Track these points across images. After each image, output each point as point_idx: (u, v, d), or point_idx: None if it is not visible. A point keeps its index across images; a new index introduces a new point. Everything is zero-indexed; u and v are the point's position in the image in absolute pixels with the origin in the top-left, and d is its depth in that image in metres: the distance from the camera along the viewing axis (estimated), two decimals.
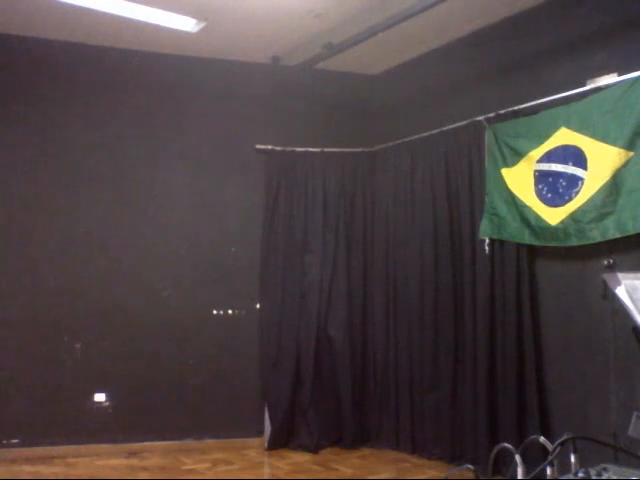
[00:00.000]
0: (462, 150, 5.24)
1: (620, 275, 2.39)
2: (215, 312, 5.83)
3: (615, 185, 4.12)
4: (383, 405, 5.77)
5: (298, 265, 5.89)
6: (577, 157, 4.38)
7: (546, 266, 4.71)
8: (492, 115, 4.97)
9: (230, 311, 5.87)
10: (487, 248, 4.94)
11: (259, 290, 5.87)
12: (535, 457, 3.22)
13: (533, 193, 4.65)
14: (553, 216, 4.49)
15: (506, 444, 1.89)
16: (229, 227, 5.93)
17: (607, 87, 4.28)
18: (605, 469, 1.69)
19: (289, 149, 6.01)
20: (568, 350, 4.54)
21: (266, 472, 5.30)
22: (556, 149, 4.52)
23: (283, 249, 5.89)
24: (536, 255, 4.75)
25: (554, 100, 4.56)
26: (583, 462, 1.78)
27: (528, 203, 4.67)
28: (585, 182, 4.30)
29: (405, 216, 5.72)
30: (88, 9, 4.85)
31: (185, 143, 5.86)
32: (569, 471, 1.74)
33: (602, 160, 4.19)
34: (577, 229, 4.32)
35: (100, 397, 5.47)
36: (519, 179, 4.75)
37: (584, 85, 4.43)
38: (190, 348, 5.72)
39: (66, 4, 4.77)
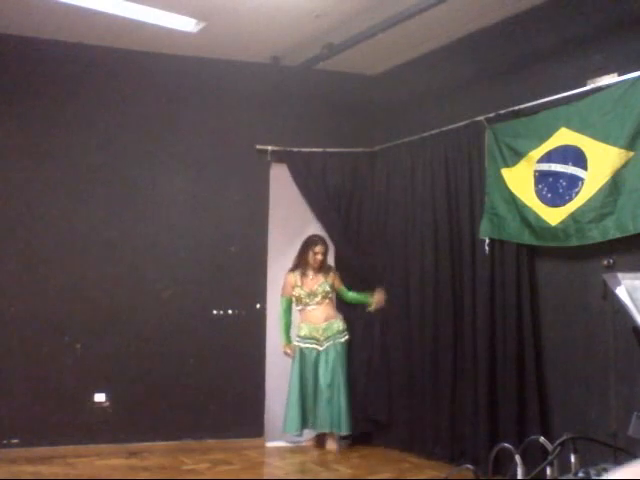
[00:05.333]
0: (462, 150, 5.24)
1: (620, 275, 2.39)
2: (215, 312, 5.83)
3: (615, 185, 4.12)
4: (383, 405, 5.76)
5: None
6: (577, 157, 4.37)
7: (546, 266, 4.71)
8: (492, 115, 4.96)
9: (230, 311, 5.87)
10: (487, 248, 4.94)
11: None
12: (535, 457, 3.23)
13: (533, 193, 4.64)
14: (553, 216, 4.48)
15: (506, 444, 1.89)
16: (229, 227, 5.92)
17: (607, 87, 4.27)
18: (605, 469, 1.69)
19: (289, 149, 6.01)
20: (568, 350, 4.54)
21: (266, 472, 5.30)
22: (556, 149, 4.52)
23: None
24: (536, 255, 4.75)
25: (554, 100, 4.55)
26: (583, 462, 1.78)
27: (528, 203, 4.66)
28: (585, 182, 4.30)
29: (405, 216, 5.72)
30: (88, 9, 4.85)
31: (185, 143, 5.86)
32: (569, 471, 1.74)
33: (602, 160, 4.19)
34: (577, 229, 4.32)
35: (100, 397, 5.46)
36: (519, 179, 4.75)
37: (584, 85, 4.42)
38: (190, 348, 5.72)
39: (66, 4, 4.77)
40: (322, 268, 5.86)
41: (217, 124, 5.94)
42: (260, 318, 5.91)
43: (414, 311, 5.57)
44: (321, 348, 5.74)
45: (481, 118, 5.04)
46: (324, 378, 5.69)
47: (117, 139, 5.70)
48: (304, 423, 5.69)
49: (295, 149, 6.01)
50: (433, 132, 5.50)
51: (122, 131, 5.71)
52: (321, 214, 6.02)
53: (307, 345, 5.75)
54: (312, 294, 5.81)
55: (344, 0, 4.78)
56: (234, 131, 5.97)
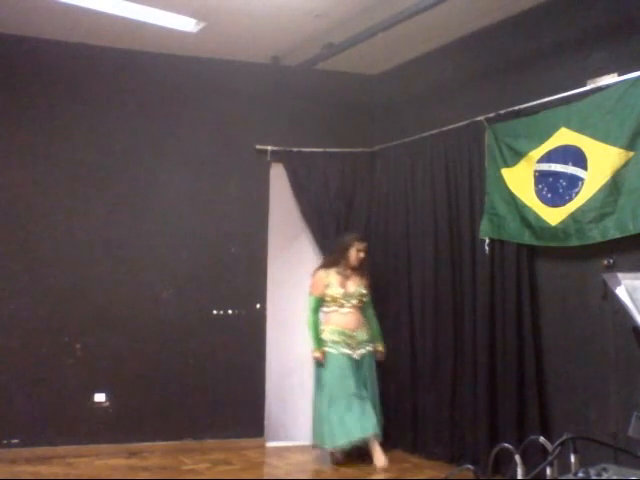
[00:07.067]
0: (462, 150, 5.24)
1: (620, 275, 2.38)
2: (215, 312, 5.83)
3: (615, 185, 4.12)
4: (383, 405, 5.76)
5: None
6: (577, 157, 4.37)
7: (546, 266, 4.71)
8: (492, 115, 4.96)
9: (230, 311, 5.86)
10: (487, 248, 4.94)
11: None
12: (535, 457, 3.22)
13: (533, 193, 4.64)
14: (553, 216, 4.48)
15: (506, 444, 1.89)
16: (229, 227, 5.92)
17: (607, 87, 4.27)
18: (605, 469, 1.69)
19: (289, 149, 6.01)
20: (568, 350, 4.54)
21: (266, 472, 5.30)
22: (556, 149, 4.51)
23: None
24: (536, 255, 4.75)
25: (554, 100, 4.55)
26: (583, 462, 1.78)
27: (528, 203, 4.66)
28: (585, 182, 4.30)
29: (405, 216, 5.72)
30: (88, 9, 4.85)
31: (185, 143, 5.86)
32: (569, 471, 1.74)
33: (602, 160, 4.19)
34: (577, 229, 4.32)
35: (100, 397, 5.46)
36: (519, 179, 4.75)
37: (584, 85, 4.42)
38: (190, 348, 5.71)
39: (66, 4, 4.77)
40: (360, 269, 5.51)
41: (217, 124, 5.94)
42: (260, 318, 5.91)
43: (415, 311, 5.57)
44: (357, 357, 5.34)
45: (481, 118, 5.04)
46: (358, 388, 5.27)
47: (117, 139, 5.70)
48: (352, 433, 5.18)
49: (295, 149, 6.01)
50: (433, 132, 5.50)
51: (122, 131, 5.71)
52: (316, 221, 5.95)
53: (342, 351, 5.31)
54: (349, 295, 5.43)
55: (344, 0, 4.78)
56: (234, 131, 5.97)
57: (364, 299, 5.50)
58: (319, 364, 5.37)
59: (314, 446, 5.42)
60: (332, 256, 5.56)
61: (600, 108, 4.25)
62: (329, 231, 5.94)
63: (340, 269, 5.45)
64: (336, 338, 5.34)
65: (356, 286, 5.46)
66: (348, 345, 5.33)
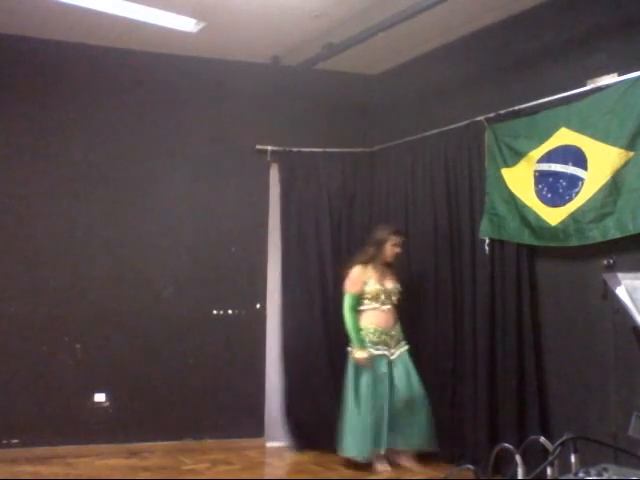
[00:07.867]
0: (462, 150, 5.24)
1: (620, 275, 2.39)
2: (215, 312, 5.83)
3: (615, 185, 4.12)
4: None
5: (303, 266, 5.91)
6: (577, 157, 4.37)
7: (546, 266, 4.71)
8: (492, 115, 4.96)
9: (230, 311, 5.87)
10: (487, 248, 4.94)
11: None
12: (535, 457, 3.22)
13: (533, 193, 4.65)
14: (553, 216, 4.49)
15: (506, 444, 1.89)
16: (229, 227, 5.92)
17: (607, 87, 4.27)
18: (605, 469, 1.69)
19: (289, 149, 6.01)
20: (568, 350, 4.54)
21: (266, 472, 5.30)
22: (556, 149, 4.52)
23: (285, 249, 5.93)
24: (536, 255, 4.75)
25: (554, 100, 4.55)
26: (583, 462, 1.78)
27: (528, 203, 4.67)
28: (585, 182, 4.30)
29: (405, 216, 5.72)
30: (88, 9, 4.85)
31: (185, 143, 5.86)
32: (569, 471, 1.74)
33: (602, 160, 4.19)
34: (577, 229, 4.32)
35: (100, 397, 5.47)
36: (519, 179, 4.75)
37: (584, 85, 4.42)
38: (190, 348, 5.72)
39: (66, 4, 4.77)
40: (393, 265, 5.30)
41: (217, 124, 5.94)
42: (260, 318, 5.92)
43: (414, 311, 5.57)
44: (393, 356, 5.14)
45: (481, 118, 5.04)
46: (406, 390, 5.09)
47: (117, 139, 5.69)
48: (376, 444, 5.02)
49: (295, 149, 6.01)
50: (433, 132, 5.50)
51: (122, 131, 5.71)
52: (313, 222, 5.92)
53: (379, 352, 5.10)
54: (388, 292, 5.21)
55: (344, 0, 4.78)
56: (234, 131, 5.97)
57: (400, 296, 5.32)
58: (356, 365, 5.12)
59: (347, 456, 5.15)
60: (368, 251, 5.27)
61: (600, 108, 4.25)
62: (327, 233, 5.92)
63: (376, 265, 5.23)
64: (375, 338, 5.13)
65: (393, 282, 5.28)
66: (386, 345, 5.15)
